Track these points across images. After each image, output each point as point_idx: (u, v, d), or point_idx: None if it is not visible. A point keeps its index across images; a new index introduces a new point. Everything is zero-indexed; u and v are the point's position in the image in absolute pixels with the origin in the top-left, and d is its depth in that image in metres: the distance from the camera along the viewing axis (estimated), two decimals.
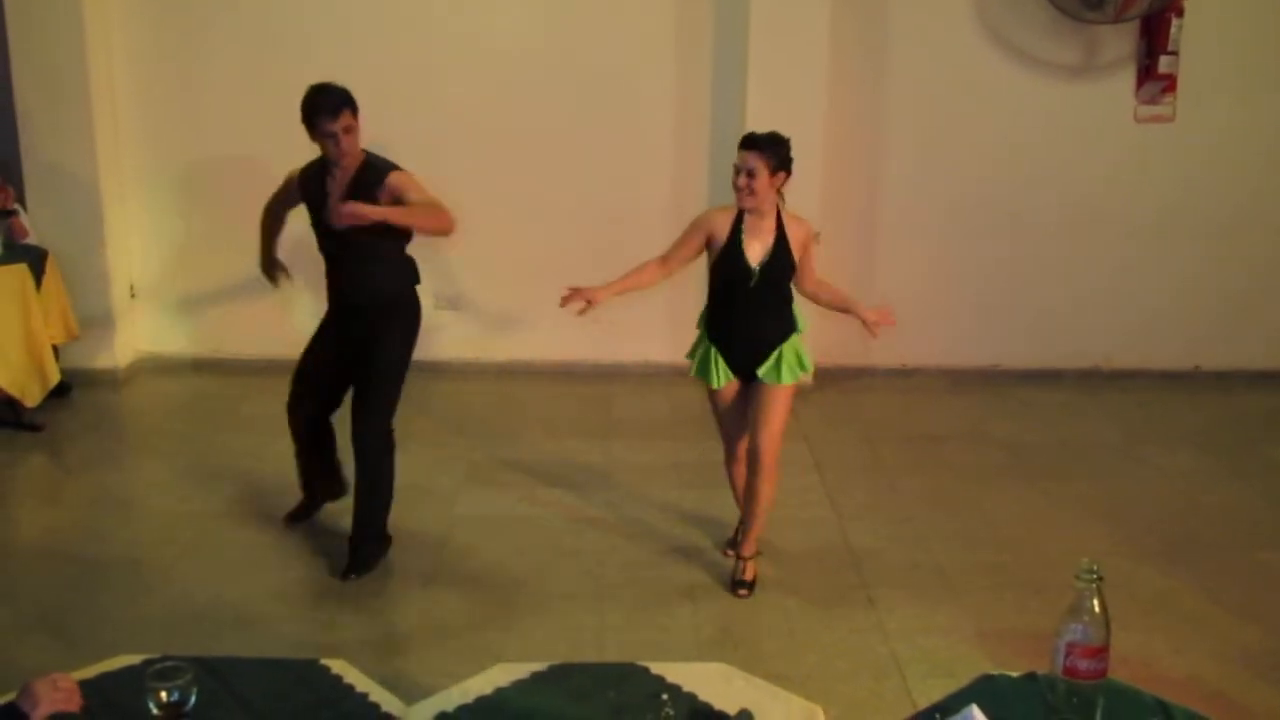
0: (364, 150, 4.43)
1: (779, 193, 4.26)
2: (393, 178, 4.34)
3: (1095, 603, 2.10)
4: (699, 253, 4.38)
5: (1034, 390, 6.95)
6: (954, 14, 6.71)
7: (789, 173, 4.24)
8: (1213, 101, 6.78)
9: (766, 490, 4.42)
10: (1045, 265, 7.07)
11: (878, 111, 6.85)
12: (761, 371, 4.31)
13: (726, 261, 4.27)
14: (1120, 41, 6.72)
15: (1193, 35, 6.58)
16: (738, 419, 4.49)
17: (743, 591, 4.44)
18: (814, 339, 6.68)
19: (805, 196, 6.51)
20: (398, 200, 4.29)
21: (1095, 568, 2.10)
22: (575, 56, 6.60)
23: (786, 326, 4.34)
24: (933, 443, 6.10)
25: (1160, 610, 4.30)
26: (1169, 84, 6.71)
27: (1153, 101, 6.79)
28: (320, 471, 4.92)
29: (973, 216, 6.98)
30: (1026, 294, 7.10)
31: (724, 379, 4.38)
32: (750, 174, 4.14)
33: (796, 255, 4.29)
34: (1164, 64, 6.62)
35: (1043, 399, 6.84)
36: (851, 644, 4.07)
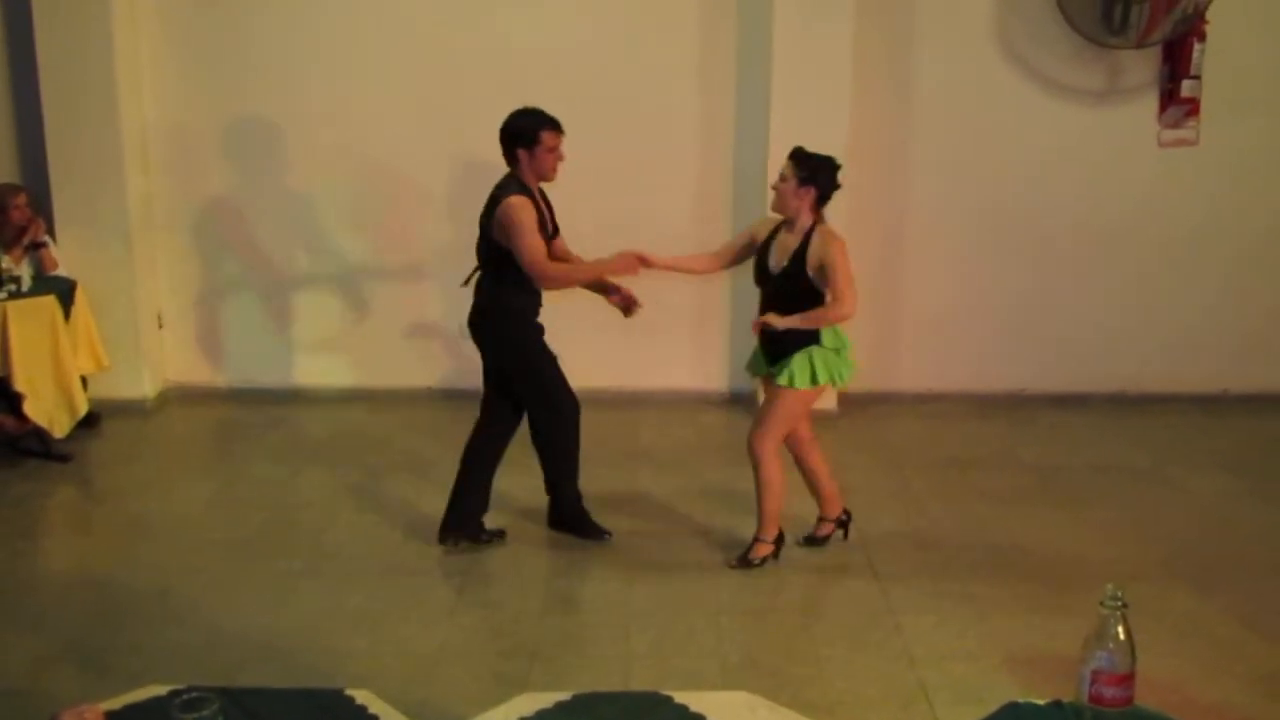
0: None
1: (816, 210, 4.53)
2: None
3: (1120, 629, 2.08)
4: (745, 251, 4.77)
5: (1061, 414, 6.92)
6: (977, 39, 6.72)
7: (819, 190, 4.51)
8: (1236, 125, 6.76)
9: (759, 479, 4.75)
10: (1071, 289, 7.04)
11: (902, 136, 6.87)
12: (774, 370, 4.62)
13: (756, 263, 4.67)
14: (1143, 66, 6.71)
15: (1215, 59, 6.57)
16: None
17: (731, 562, 4.83)
18: None
19: (829, 221, 6.54)
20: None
21: (1120, 594, 2.09)
22: (600, 80, 6.64)
23: (801, 336, 4.50)
24: (960, 467, 6.07)
25: (1190, 635, 4.26)
26: (1192, 108, 6.69)
27: (1176, 126, 6.78)
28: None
29: (998, 241, 6.97)
30: (1053, 318, 7.08)
31: (758, 369, 4.80)
32: (781, 178, 4.52)
33: (811, 270, 4.46)
34: (1187, 88, 6.61)
35: (1070, 423, 6.80)
36: (879, 671, 4.04)
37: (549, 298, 4.89)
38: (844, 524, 5.07)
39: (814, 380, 4.52)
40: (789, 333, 4.50)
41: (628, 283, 4.91)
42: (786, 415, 4.64)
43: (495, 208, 4.65)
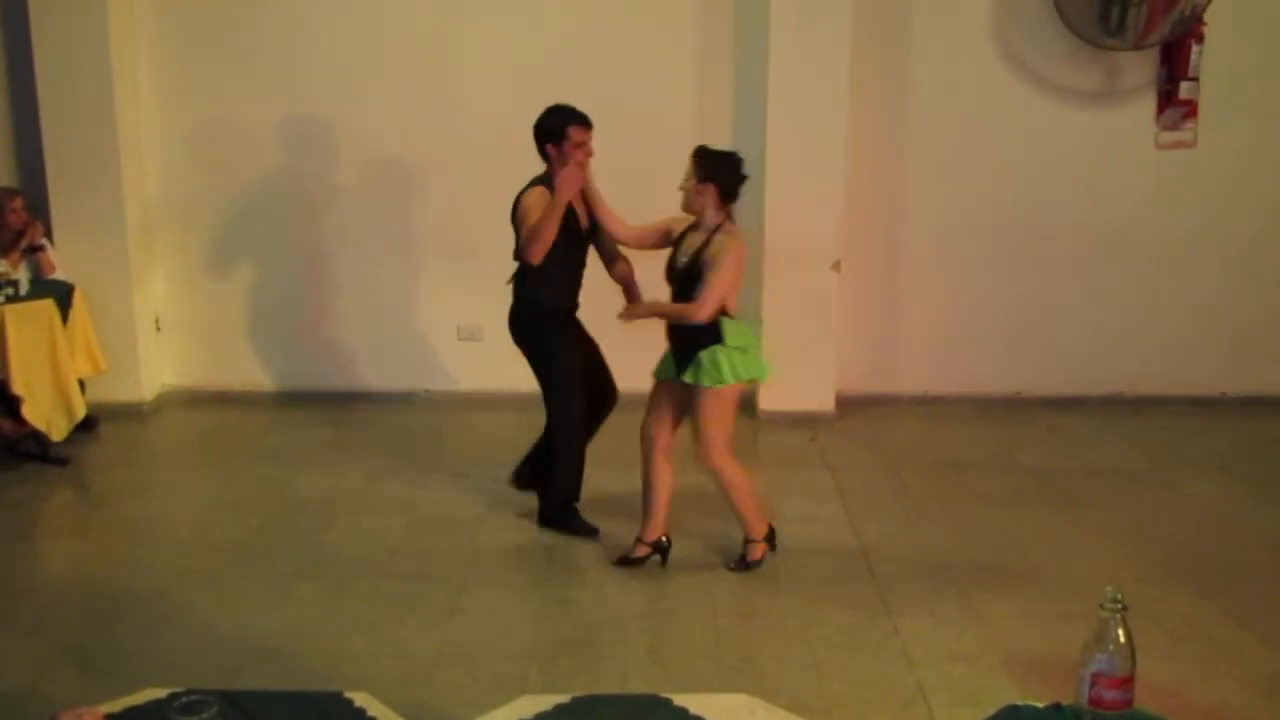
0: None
1: (722, 208, 4.56)
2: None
3: (1120, 632, 2.08)
4: (657, 239, 4.82)
5: (1059, 417, 6.92)
6: (975, 41, 6.73)
7: (721, 187, 4.53)
8: (1234, 127, 6.77)
9: (725, 488, 4.76)
10: (1068, 292, 7.05)
11: (899, 137, 6.87)
12: (684, 373, 4.61)
13: (667, 261, 4.71)
14: (1140, 68, 6.72)
15: (1213, 61, 6.58)
16: (658, 412, 4.81)
17: (730, 565, 4.85)
18: (839, 367, 6.77)
19: (827, 223, 6.57)
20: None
21: (1120, 596, 2.09)
22: (595, 83, 6.62)
23: (703, 335, 4.52)
24: (957, 470, 6.07)
25: (1189, 638, 4.26)
26: (1190, 110, 6.70)
27: (1174, 128, 6.79)
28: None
29: (995, 243, 6.97)
30: (1050, 321, 7.08)
31: (665, 373, 4.75)
32: (686, 178, 4.57)
33: (706, 256, 4.51)
34: (1185, 90, 6.62)
35: (1068, 425, 6.80)
36: (877, 673, 4.04)
37: (585, 298, 5.02)
38: (663, 550, 4.89)
39: (726, 377, 4.52)
40: (693, 333, 4.52)
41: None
42: (716, 417, 4.61)
43: (516, 207, 4.83)
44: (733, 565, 4.83)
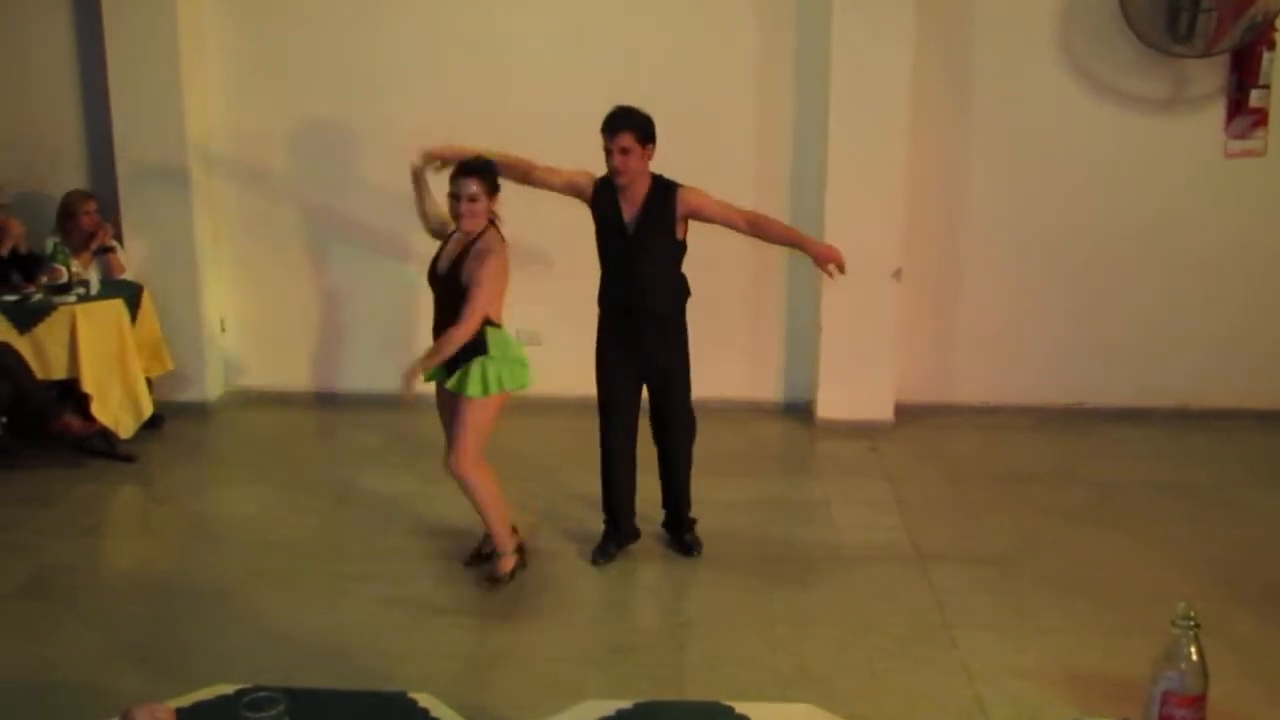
0: (651, 174, 4.75)
1: (490, 210, 4.56)
2: (684, 193, 4.73)
3: (1192, 650, 2.05)
4: (558, 188, 4.87)
5: (1121, 429, 6.82)
6: (1039, 48, 6.65)
7: (488, 191, 4.53)
8: None
9: (473, 499, 4.70)
10: (1132, 302, 6.94)
11: (960, 145, 6.81)
12: (450, 379, 4.56)
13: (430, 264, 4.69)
14: (1209, 75, 6.61)
15: None
16: (446, 423, 4.75)
17: (481, 582, 4.78)
18: (899, 377, 6.72)
19: (887, 232, 6.53)
20: (697, 213, 4.74)
21: (1192, 614, 2.06)
22: (658, 95, 6.63)
23: (470, 346, 4.47)
24: (1018, 482, 6.01)
25: (1256, 658, 4.17)
26: (1260, 118, 6.58)
27: (1243, 136, 6.67)
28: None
29: (1057, 252, 6.89)
30: (1113, 331, 6.98)
31: (434, 375, 4.66)
32: (471, 199, 4.50)
33: (465, 269, 4.47)
34: (1255, 98, 6.50)
35: (1130, 438, 6.70)
36: (935, 686, 4.01)
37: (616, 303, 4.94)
38: (521, 550, 4.91)
39: (488, 388, 4.49)
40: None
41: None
42: (474, 426, 4.55)
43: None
44: (484, 582, 4.76)
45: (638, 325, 4.85)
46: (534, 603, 4.64)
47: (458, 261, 4.51)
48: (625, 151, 4.61)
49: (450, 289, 4.50)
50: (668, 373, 4.90)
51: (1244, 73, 6.51)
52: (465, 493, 4.69)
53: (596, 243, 4.85)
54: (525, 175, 4.85)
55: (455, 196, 4.49)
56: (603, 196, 4.78)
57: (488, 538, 4.88)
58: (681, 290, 4.89)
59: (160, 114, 6.64)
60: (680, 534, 5.12)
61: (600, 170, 4.77)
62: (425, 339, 4.71)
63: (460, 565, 4.95)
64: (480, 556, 4.93)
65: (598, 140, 4.70)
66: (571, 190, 4.85)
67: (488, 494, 4.70)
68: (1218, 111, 6.68)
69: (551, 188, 4.87)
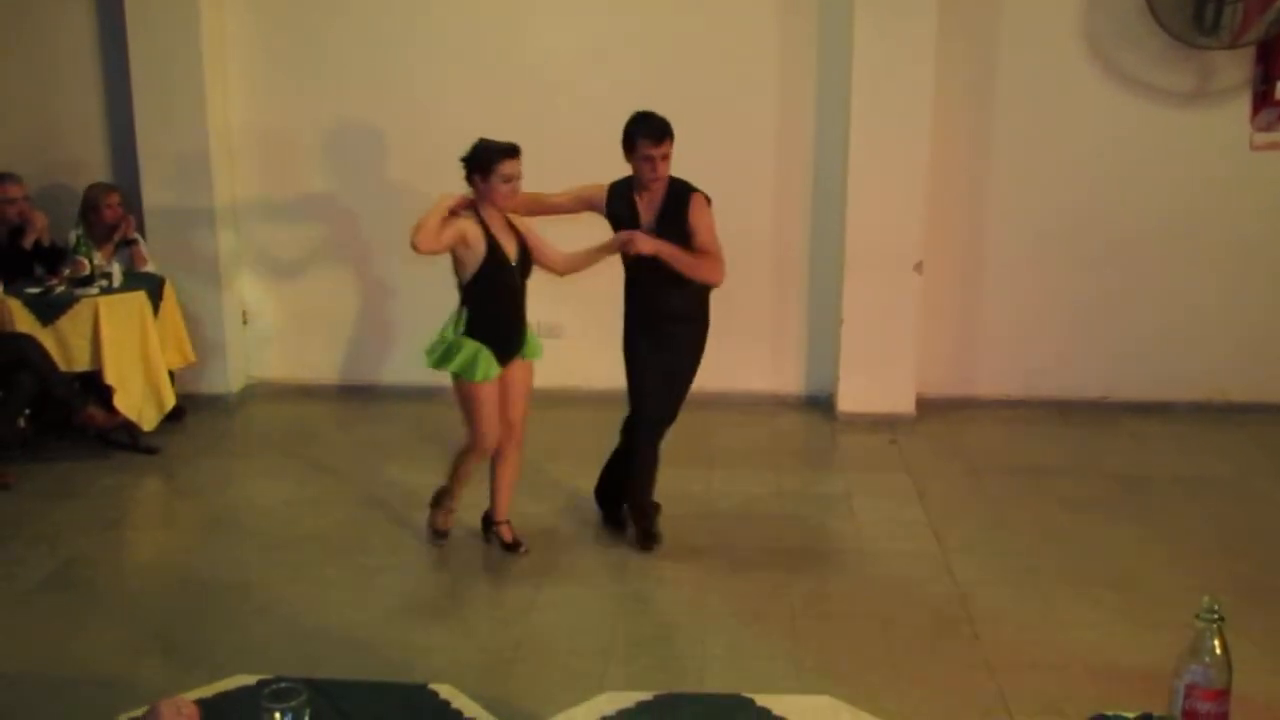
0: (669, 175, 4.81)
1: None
2: (692, 199, 4.75)
3: (1217, 643, 2.04)
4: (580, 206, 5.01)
5: (1144, 422, 6.78)
6: (1063, 40, 6.61)
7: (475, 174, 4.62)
8: None
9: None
10: (1156, 295, 6.90)
11: (983, 139, 6.77)
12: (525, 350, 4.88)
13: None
14: (1235, 67, 6.56)
15: None
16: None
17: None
18: (920, 370, 6.70)
19: (909, 225, 6.50)
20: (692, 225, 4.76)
21: (1217, 607, 2.05)
22: (678, 94, 6.61)
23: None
24: (1040, 475, 5.98)
25: (1276, 652, 4.14)
26: None
27: (1269, 128, 6.61)
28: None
29: (1079, 245, 6.85)
30: (1136, 324, 6.94)
31: (532, 354, 4.93)
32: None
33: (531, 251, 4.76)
34: None
35: (1153, 431, 6.66)
36: (957, 679, 4.00)
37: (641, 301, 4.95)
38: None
39: (450, 366, 4.78)
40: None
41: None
42: (461, 404, 4.82)
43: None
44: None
45: (661, 323, 4.90)
46: (556, 595, 4.65)
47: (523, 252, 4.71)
48: (667, 158, 4.68)
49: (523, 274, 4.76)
50: (674, 375, 4.96)
51: (1270, 65, 6.46)
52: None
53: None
54: (538, 207, 4.95)
55: (508, 178, 4.58)
56: (618, 201, 4.82)
57: (493, 505, 5.05)
58: (703, 286, 4.88)
59: (183, 107, 6.68)
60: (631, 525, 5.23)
61: (600, 178, 4.82)
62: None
63: (481, 542, 5.06)
64: (488, 521, 5.08)
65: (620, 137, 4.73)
66: (584, 205, 4.92)
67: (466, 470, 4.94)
68: (1243, 104, 6.62)
69: (564, 210, 4.97)
